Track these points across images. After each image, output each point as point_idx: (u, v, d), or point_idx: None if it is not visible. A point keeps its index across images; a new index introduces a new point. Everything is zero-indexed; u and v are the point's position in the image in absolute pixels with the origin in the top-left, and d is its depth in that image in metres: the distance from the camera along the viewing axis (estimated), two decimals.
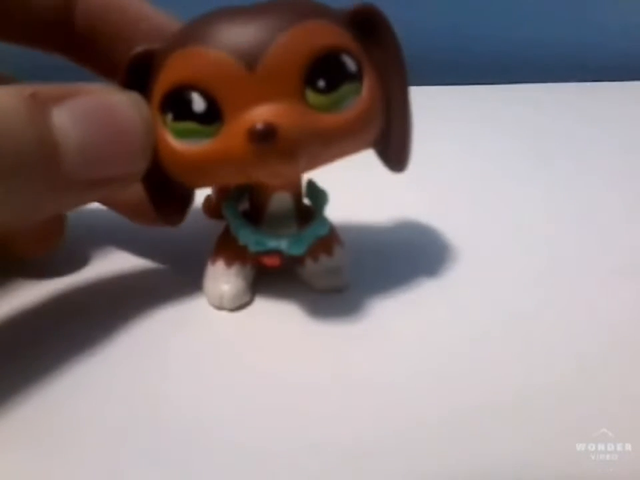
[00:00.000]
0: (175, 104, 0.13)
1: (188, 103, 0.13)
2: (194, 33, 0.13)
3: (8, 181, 0.11)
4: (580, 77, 0.40)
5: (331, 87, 0.13)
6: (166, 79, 0.13)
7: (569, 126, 0.32)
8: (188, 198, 0.15)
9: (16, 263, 0.18)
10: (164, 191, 0.14)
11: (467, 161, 0.28)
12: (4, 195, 0.11)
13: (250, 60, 0.12)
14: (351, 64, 0.13)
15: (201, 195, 0.21)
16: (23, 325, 0.15)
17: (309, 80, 0.13)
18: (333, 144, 0.14)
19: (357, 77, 0.13)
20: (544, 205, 0.23)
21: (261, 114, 0.12)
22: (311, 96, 0.13)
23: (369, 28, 0.14)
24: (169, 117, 0.13)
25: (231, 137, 0.13)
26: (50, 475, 0.11)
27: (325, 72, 0.13)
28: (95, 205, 0.21)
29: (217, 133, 0.13)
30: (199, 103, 0.13)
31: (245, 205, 0.16)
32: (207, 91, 0.13)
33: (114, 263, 0.18)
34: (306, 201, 0.16)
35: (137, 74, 0.14)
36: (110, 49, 0.16)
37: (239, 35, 0.12)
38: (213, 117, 0.13)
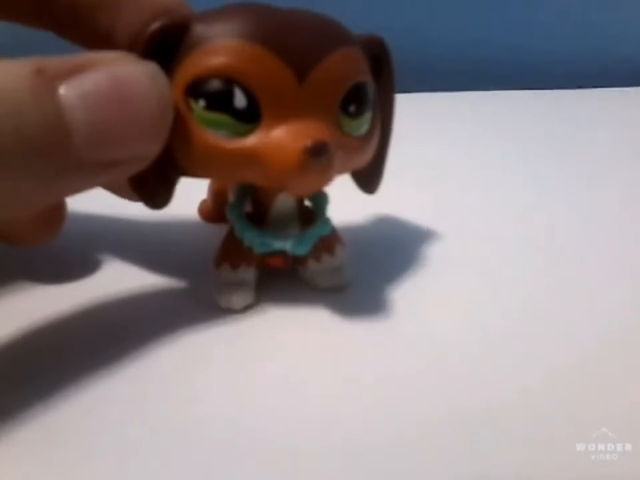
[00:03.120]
0: (211, 92, 0.12)
1: (228, 95, 0.12)
2: (245, 24, 0.12)
3: (12, 164, 0.10)
4: (579, 83, 0.40)
5: (358, 113, 0.14)
6: (205, 63, 0.12)
7: (567, 131, 0.32)
8: (174, 181, 0.14)
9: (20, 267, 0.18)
10: (152, 173, 0.13)
11: (466, 165, 0.28)
12: (8, 178, 0.10)
13: (302, 71, 0.13)
14: (370, 93, 0.14)
15: (197, 199, 0.21)
16: (31, 336, 0.15)
17: (344, 103, 0.13)
18: (349, 165, 0.15)
19: (373, 106, 0.14)
20: (542, 207, 0.23)
21: (311, 131, 0.13)
22: (343, 118, 0.14)
23: (373, 58, 0.15)
24: (200, 103, 0.12)
25: (274, 143, 0.13)
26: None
27: (355, 98, 0.14)
28: (97, 210, 0.21)
29: (251, 133, 0.13)
30: (240, 99, 0.12)
31: (247, 207, 0.16)
32: (250, 90, 0.12)
33: (116, 270, 0.18)
34: (307, 202, 0.17)
35: (159, 46, 0.13)
36: (92, 18, 0.14)
37: (296, 43, 0.13)
38: (251, 116, 0.13)
